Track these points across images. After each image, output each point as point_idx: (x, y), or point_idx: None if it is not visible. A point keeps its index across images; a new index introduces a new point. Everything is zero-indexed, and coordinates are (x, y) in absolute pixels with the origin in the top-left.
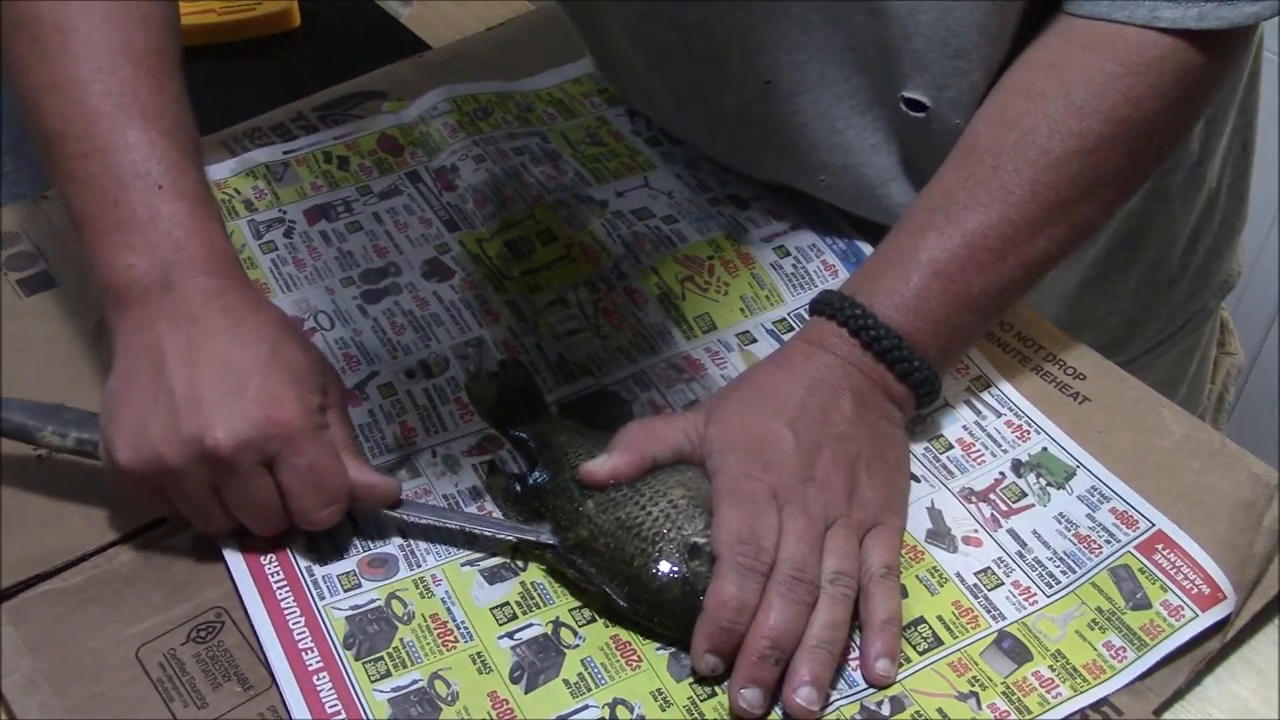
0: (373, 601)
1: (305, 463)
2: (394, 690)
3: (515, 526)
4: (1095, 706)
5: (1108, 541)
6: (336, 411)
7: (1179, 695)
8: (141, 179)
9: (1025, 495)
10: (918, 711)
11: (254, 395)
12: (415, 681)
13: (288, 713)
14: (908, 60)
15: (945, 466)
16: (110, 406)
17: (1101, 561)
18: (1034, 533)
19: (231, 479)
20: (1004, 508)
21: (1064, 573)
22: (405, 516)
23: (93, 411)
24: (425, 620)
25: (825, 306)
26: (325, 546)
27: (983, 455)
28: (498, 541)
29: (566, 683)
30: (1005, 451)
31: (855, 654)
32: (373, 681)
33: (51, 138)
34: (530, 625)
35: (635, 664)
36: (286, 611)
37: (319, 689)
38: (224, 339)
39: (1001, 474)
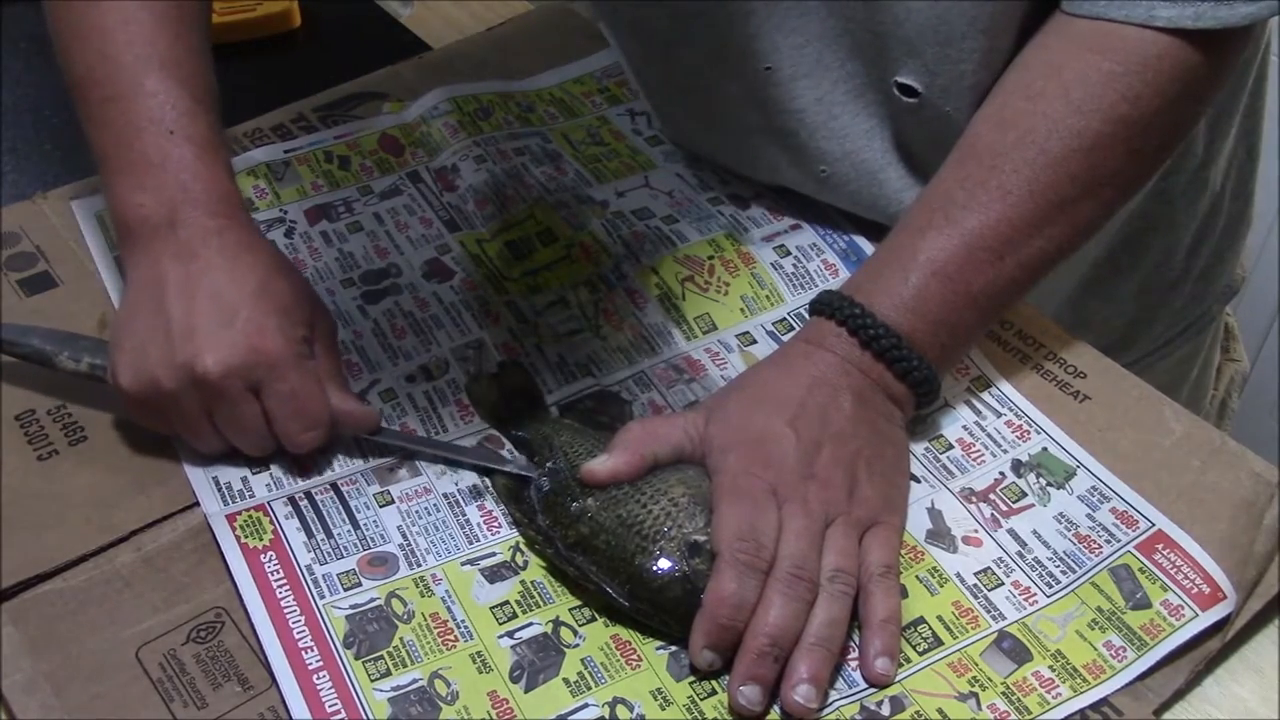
0: (373, 600)
1: (287, 389)
2: (394, 689)
3: (490, 454)
4: (1095, 707)
5: (1108, 541)
6: (322, 344)
7: (1179, 695)
8: (154, 124)
9: (1025, 495)
10: (917, 711)
11: (242, 326)
12: (415, 681)
13: (288, 713)
14: (899, 46)
15: (945, 466)
16: (116, 334)
17: (1101, 561)
18: (1034, 533)
19: (221, 402)
20: (1004, 508)
21: (1064, 573)
22: (385, 442)
23: (105, 340)
24: (425, 619)
25: (824, 306)
26: (326, 545)
27: (983, 455)
28: (475, 468)
29: (566, 682)
30: (1005, 451)
31: (855, 653)
32: (373, 681)
33: (79, 82)
34: (530, 624)
35: (635, 663)
36: (286, 611)
37: (319, 688)
38: (219, 274)
39: (1001, 474)
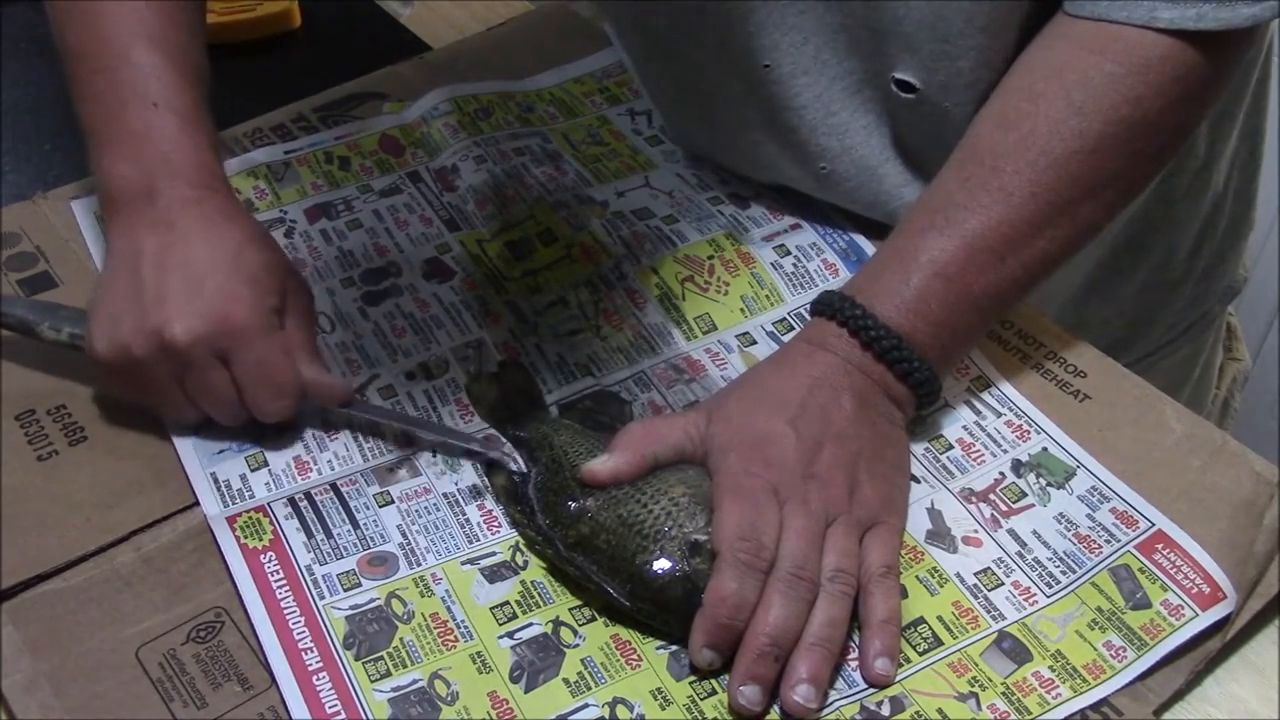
0: (372, 601)
1: (253, 358)
2: (394, 690)
3: (467, 437)
4: (1095, 707)
5: (1108, 541)
6: (296, 315)
7: (1179, 696)
8: (139, 97)
9: (1025, 495)
10: (917, 712)
11: (211, 294)
12: (415, 681)
13: (288, 713)
14: (898, 42)
15: (945, 467)
16: (94, 302)
17: (1101, 561)
18: (1034, 533)
19: (190, 370)
20: (1004, 508)
21: (1064, 573)
22: (356, 415)
23: (85, 310)
24: (425, 619)
25: (825, 307)
26: (325, 545)
27: (983, 455)
28: (452, 448)
29: (566, 682)
30: (1005, 451)
31: (855, 653)
32: (373, 681)
33: (70, 56)
34: (530, 625)
35: (635, 663)
36: (286, 611)
37: (319, 689)
38: (194, 243)
39: (1001, 474)
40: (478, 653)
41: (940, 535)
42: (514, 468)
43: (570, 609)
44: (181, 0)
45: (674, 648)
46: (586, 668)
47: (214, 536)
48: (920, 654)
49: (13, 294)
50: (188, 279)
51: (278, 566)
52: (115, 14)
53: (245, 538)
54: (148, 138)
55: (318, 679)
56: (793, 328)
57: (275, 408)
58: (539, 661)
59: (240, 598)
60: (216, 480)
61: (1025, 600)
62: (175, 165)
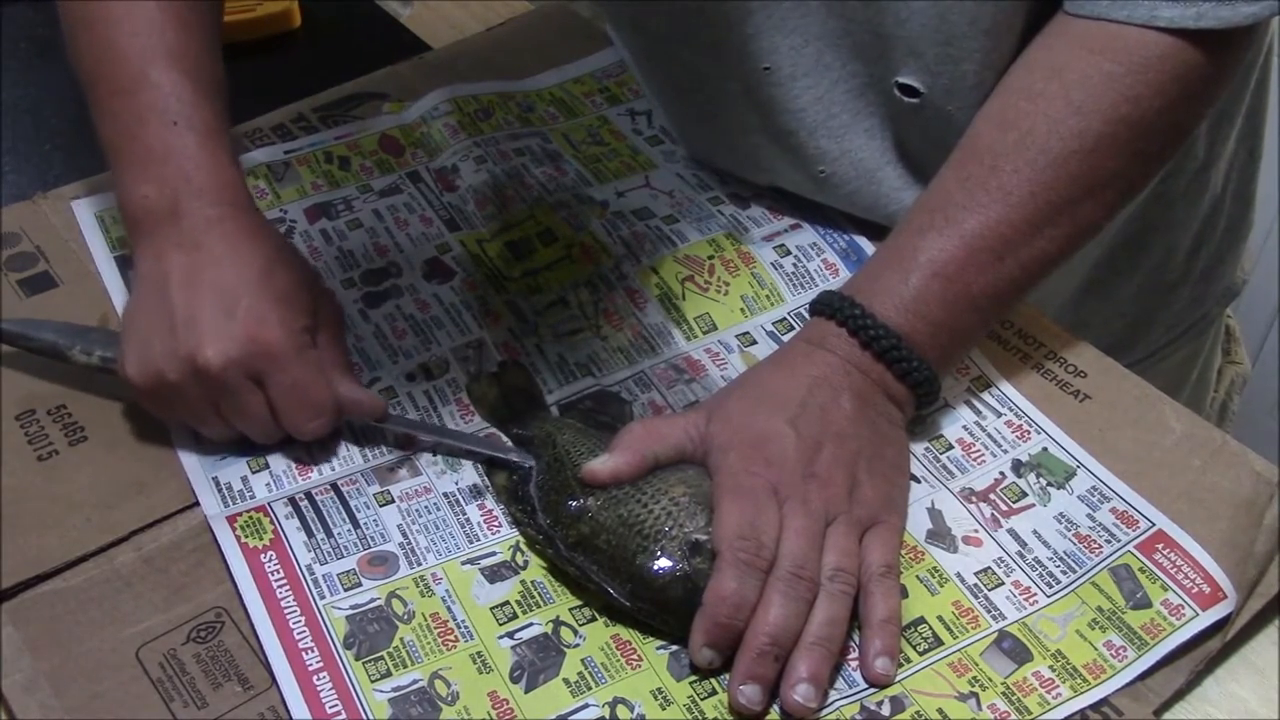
0: (373, 600)
1: (288, 379)
2: (394, 690)
3: (497, 445)
4: (1095, 707)
5: (1108, 541)
6: (327, 332)
7: (1179, 695)
8: (158, 115)
9: (1025, 495)
10: (918, 712)
11: (242, 316)
12: (415, 681)
13: (288, 713)
14: (901, 46)
15: (945, 466)
16: (125, 326)
17: (1102, 561)
18: (1034, 533)
19: (224, 393)
20: (1004, 508)
21: (1064, 572)
22: (392, 429)
23: (115, 332)
24: (425, 619)
25: (825, 307)
26: (326, 545)
27: (983, 455)
28: (478, 455)
29: (566, 682)
30: (1005, 451)
31: (855, 653)
32: (373, 681)
33: (87, 75)
34: (530, 625)
35: (635, 663)
36: (286, 611)
37: (319, 689)
38: (221, 264)
39: (1002, 474)
40: (478, 653)
41: (940, 535)
42: (543, 481)
43: (570, 609)
44: (197, 9)
45: (674, 648)
46: (587, 668)
47: (214, 536)
48: (920, 654)
49: (13, 294)
50: (218, 301)
51: (278, 566)
52: (130, 28)
53: (245, 537)
54: (168, 157)
55: (318, 679)
56: (793, 328)
57: (311, 427)
58: (539, 661)
59: (240, 597)
60: (217, 481)
61: (1025, 600)
62: (197, 184)
